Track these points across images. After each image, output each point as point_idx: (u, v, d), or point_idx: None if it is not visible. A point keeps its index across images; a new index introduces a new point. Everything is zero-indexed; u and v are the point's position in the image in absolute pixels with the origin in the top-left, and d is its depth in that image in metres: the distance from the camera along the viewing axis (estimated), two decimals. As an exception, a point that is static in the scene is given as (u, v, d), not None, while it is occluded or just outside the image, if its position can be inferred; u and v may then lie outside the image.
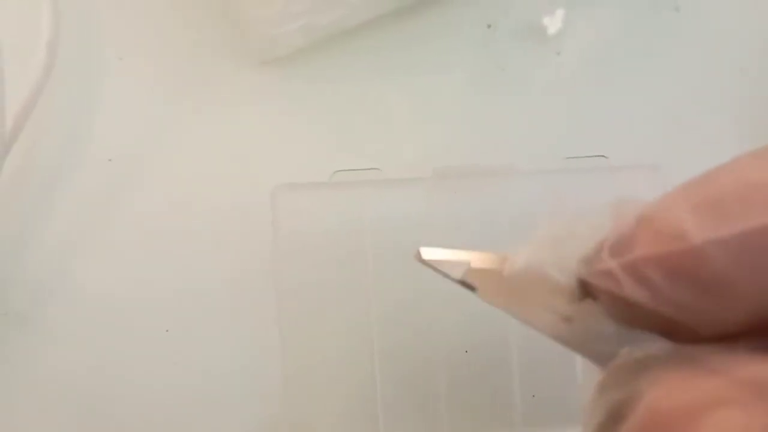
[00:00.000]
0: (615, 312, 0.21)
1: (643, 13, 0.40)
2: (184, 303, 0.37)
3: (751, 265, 0.19)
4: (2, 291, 0.37)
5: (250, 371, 0.36)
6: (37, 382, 0.37)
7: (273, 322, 0.33)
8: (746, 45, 0.40)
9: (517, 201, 0.33)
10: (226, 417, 0.36)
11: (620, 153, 0.35)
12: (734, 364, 0.19)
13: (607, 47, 0.40)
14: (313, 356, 0.34)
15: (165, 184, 0.38)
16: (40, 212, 0.38)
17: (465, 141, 0.39)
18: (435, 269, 0.24)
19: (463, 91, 0.39)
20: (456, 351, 0.33)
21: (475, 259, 0.23)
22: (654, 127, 0.39)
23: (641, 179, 0.33)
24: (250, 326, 0.37)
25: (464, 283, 0.23)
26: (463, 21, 0.40)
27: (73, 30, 0.39)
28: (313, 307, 0.34)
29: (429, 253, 0.24)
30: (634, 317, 0.21)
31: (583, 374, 0.31)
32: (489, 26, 0.40)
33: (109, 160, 0.38)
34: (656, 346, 0.21)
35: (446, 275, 0.24)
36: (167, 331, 0.37)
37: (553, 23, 0.39)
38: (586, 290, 0.21)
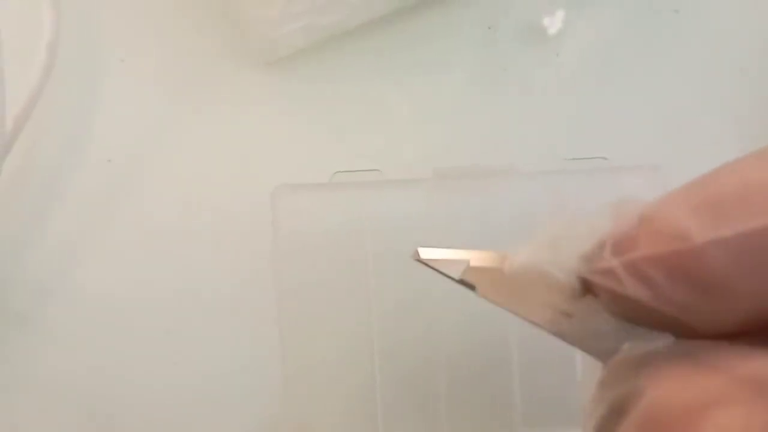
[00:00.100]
0: (615, 309, 0.21)
1: (642, 14, 0.40)
2: (184, 303, 0.37)
3: (752, 265, 0.19)
4: (2, 291, 0.37)
5: (250, 371, 0.37)
6: (37, 382, 0.37)
7: (273, 323, 0.33)
8: (746, 45, 0.40)
9: (517, 202, 0.33)
10: (226, 417, 0.36)
11: (620, 153, 0.35)
12: (734, 360, 0.19)
13: (607, 48, 0.40)
14: (313, 356, 0.34)
15: (165, 185, 0.38)
16: (40, 212, 0.38)
17: (465, 142, 0.39)
18: (434, 269, 0.24)
19: (463, 92, 0.39)
20: (456, 351, 0.33)
21: (474, 257, 0.23)
22: (654, 128, 0.39)
23: (641, 180, 0.33)
24: (250, 326, 0.37)
25: (464, 282, 0.23)
26: (464, 22, 0.40)
27: (74, 30, 0.39)
28: (314, 308, 0.34)
29: (427, 253, 0.24)
30: (635, 314, 0.21)
31: (583, 373, 0.31)
32: (489, 27, 0.40)
33: (109, 160, 0.38)
34: (657, 342, 0.21)
35: (445, 275, 0.24)
36: (167, 331, 0.37)
37: (553, 24, 0.39)
38: (586, 287, 0.21)
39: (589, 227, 0.22)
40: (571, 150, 0.34)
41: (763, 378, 0.19)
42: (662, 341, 0.21)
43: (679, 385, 0.19)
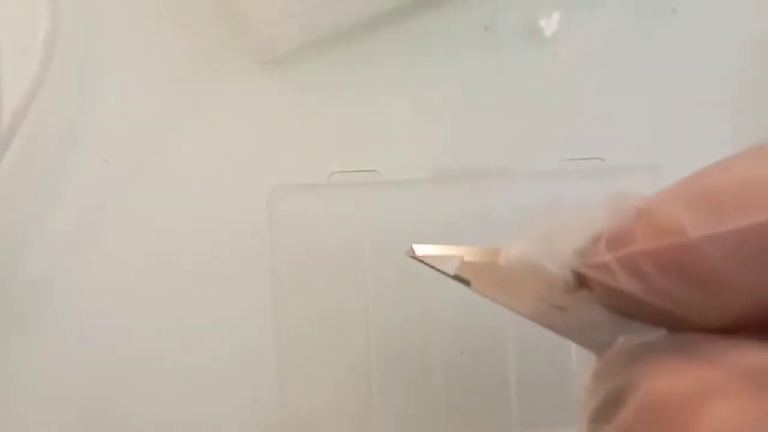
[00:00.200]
0: (610, 303, 0.21)
1: (640, 14, 0.40)
2: (182, 303, 0.37)
3: (746, 261, 0.19)
4: (0, 290, 0.37)
5: (247, 371, 0.36)
6: (36, 380, 0.37)
7: (270, 323, 0.33)
8: (743, 45, 0.40)
9: (514, 202, 0.33)
10: (223, 417, 0.36)
11: (618, 154, 0.35)
12: (729, 353, 0.19)
13: (604, 48, 0.40)
14: (310, 357, 0.34)
15: (162, 185, 0.38)
16: (37, 211, 0.38)
17: (462, 142, 0.39)
18: (429, 265, 0.24)
19: (460, 93, 0.39)
20: (453, 352, 0.33)
21: (468, 253, 0.23)
22: (651, 129, 0.39)
23: (638, 180, 0.33)
24: (247, 326, 0.37)
25: (459, 278, 0.23)
26: (461, 22, 0.40)
27: (72, 29, 0.39)
28: (311, 308, 0.34)
29: (422, 250, 0.24)
30: (629, 308, 0.21)
31: (578, 368, 0.31)
32: (486, 28, 0.40)
33: (105, 160, 0.38)
34: (652, 335, 0.21)
35: (440, 271, 0.24)
36: (165, 330, 0.37)
37: (550, 25, 0.39)
38: (580, 281, 0.21)
39: (583, 221, 0.22)
40: (568, 150, 0.35)
41: (758, 370, 0.19)
42: (656, 334, 0.21)
43: (675, 377, 0.20)
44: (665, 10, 0.40)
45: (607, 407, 0.21)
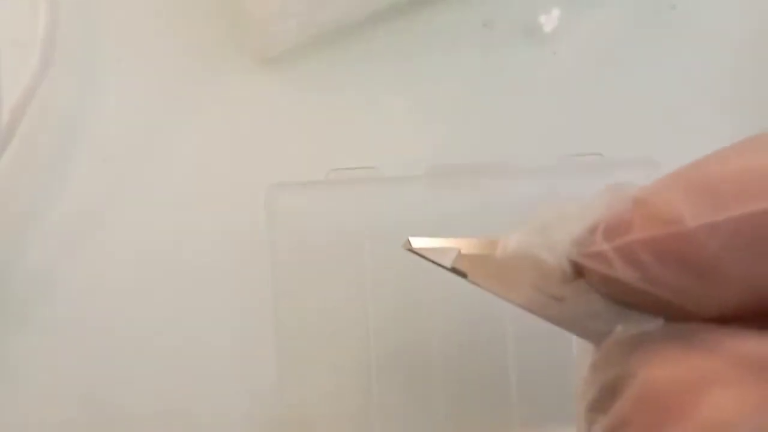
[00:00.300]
0: (607, 292, 0.21)
1: (639, 10, 0.40)
2: (182, 300, 0.37)
3: (744, 250, 0.19)
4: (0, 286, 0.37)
5: (247, 367, 0.36)
6: (35, 373, 0.37)
7: (270, 320, 0.33)
8: (742, 41, 0.40)
9: (513, 199, 0.33)
10: (222, 412, 0.36)
11: (617, 150, 0.34)
12: (727, 341, 0.19)
13: (603, 45, 0.40)
14: (310, 353, 0.34)
15: (161, 183, 0.38)
16: (37, 210, 0.38)
17: (461, 139, 0.39)
18: (425, 258, 0.24)
19: (459, 89, 0.39)
20: (453, 349, 0.33)
21: (465, 245, 0.23)
22: (651, 125, 0.39)
23: (638, 175, 0.33)
24: (247, 323, 0.37)
25: (455, 270, 0.23)
26: (460, 19, 0.40)
27: (71, 27, 0.39)
28: (310, 305, 0.34)
29: (418, 242, 0.24)
30: (627, 297, 0.21)
31: (577, 361, 0.31)
32: (485, 25, 0.40)
33: (104, 159, 0.38)
34: (650, 324, 0.21)
35: (437, 263, 0.23)
36: (164, 328, 0.37)
37: (549, 22, 0.39)
38: (577, 271, 0.21)
39: (580, 212, 0.22)
40: (567, 147, 0.34)
41: (757, 358, 0.19)
42: (654, 324, 0.21)
43: (673, 366, 0.20)
44: (665, 6, 0.40)
45: (604, 397, 0.21)
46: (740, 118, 0.39)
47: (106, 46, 0.39)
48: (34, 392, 0.36)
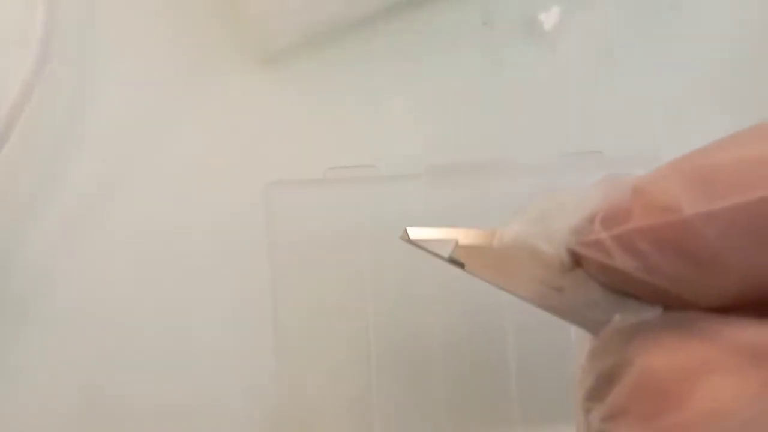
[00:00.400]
0: (605, 281, 0.21)
1: (639, 7, 0.40)
2: (181, 298, 0.37)
3: (741, 239, 0.19)
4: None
5: (246, 364, 0.36)
6: (35, 373, 0.37)
7: (269, 318, 0.33)
8: (742, 38, 0.40)
9: (513, 196, 0.33)
10: (221, 407, 0.36)
11: (617, 147, 0.34)
12: (725, 330, 0.19)
13: (603, 43, 0.40)
14: (309, 351, 0.34)
15: (159, 181, 0.38)
16: (34, 208, 0.38)
17: (460, 137, 0.39)
18: (423, 249, 0.24)
19: (458, 87, 0.39)
20: (452, 344, 0.33)
21: (463, 235, 0.23)
22: (651, 123, 0.39)
23: (637, 173, 0.33)
24: (246, 321, 0.37)
25: (453, 261, 0.23)
26: (460, 17, 0.40)
27: (69, 26, 0.39)
28: (309, 302, 0.34)
29: (416, 233, 0.24)
30: (625, 286, 0.21)
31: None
32: (485, 22, 0.40)
33: (102, 156, 0.38)
34: (648, 313, 0.21)
35: (435, 254, 0.23)
36: (162, 327, 0.37)
37: (549, 19, 0.39)
38: (575, 260, 0.21)
39: (578, 202, 0.22)
40: (567, 144, 0.34)
41: (755, 346, 0.19)
42: (653, 313, 0.21)
43: (671, 354, 0.20)
44: (664, 4, 0.40)
45: (602, 385, 0.21)
46: (740, 114, 0.39)
47: (104, 46, 0.39)
48: (33, 386, 0.37)
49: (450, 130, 0.39)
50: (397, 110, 0.39)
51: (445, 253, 0.23)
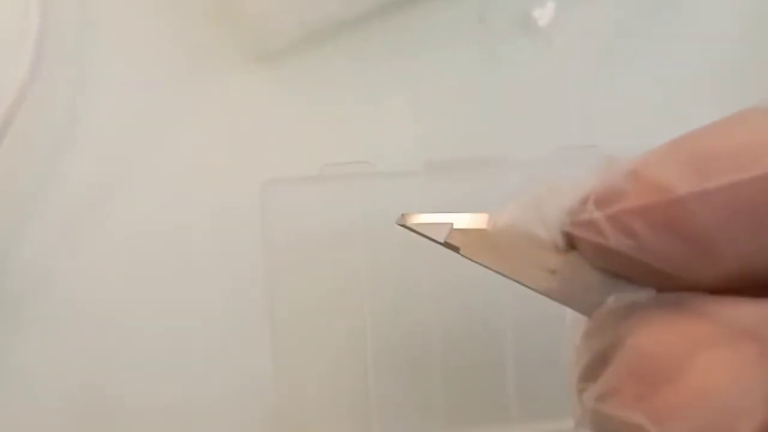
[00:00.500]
0: (600, 262, 0.21)
1: (634, 2, 0.40)
2: (176, 296, 0.37)
3: (736, 218, 0.19)
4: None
5: (242, 363, 0.36)
6: (33, 372, 0.37)
7: (265, 316, 0.33)
8: (741, 33, 0.40)
9: (510, 192, 0.33)
10: (219, 406, 0.36)
11: (613, 142, 0.34)
12: (719, 308, 0.19)
13: (598, 38, 0.40)
14: (305, 349, 0.33)
15: (155, 180, 0.38)
16: (31, 208, 0.38)
17: (457, 133, 0.39)
18: (418, 233, 0.24)
19: (455, 84, 0.39)
20: (450, 341, 0.33)
21: (458, 220, 0.23)
22: (646, 117, 0.39)
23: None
24: (242, 319, 0.37)
25: (447, 245, 0.23)
26: (456, 14, 0.40)
27: (67, 25, 0.39)
28: (305, 300, 0.33)
29: (411, 218, 0.24)
30: (619, 267, 0.21)
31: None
32: (481, 19, 0.40)
33: (99, 156, 0.38)
34: (642, 294, 0.21)
35: (430, 238, 0.23)
36: (160, 323, 0.37)
37: (544, 15, 0.39)
38: (570, 242, 0.21)
39: (574, 185, 0.21)
40: (564, 140, 0.34)
41: (749, 322, 0.19)
42: (647, 294, 0.21)
43: (662, 331, 0.20)
44: (661, -1, 0.41)
45: (595, 365, 0.21)
46: (738, 108, 0.38)
47: (102, 43, 0.39)
48: (32, 386, 0.37)
49: (447, 126, 0.39)
50: (394, 107, 0.39)
51: (441, 238, 0.23)
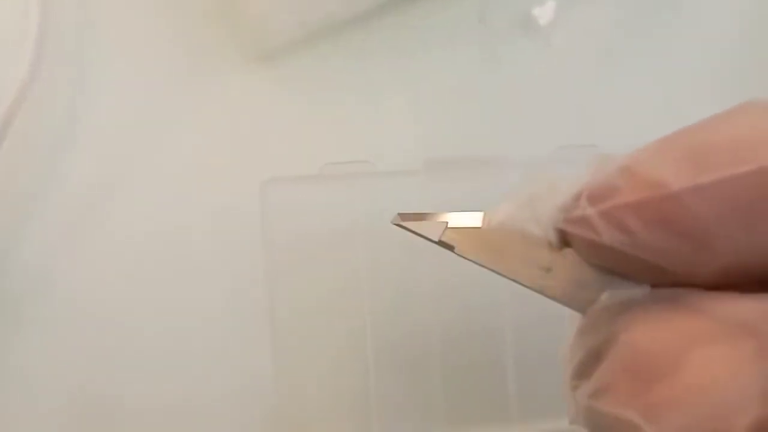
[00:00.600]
0: (593, 259, 0.21)
1: (634, 1, 0.40)
2: (177, 296, 0.37)
3: (731, 213, 0.19)
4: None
5: (242, 363, 0.36)
6: (33, 373, 0.37)
7: (265, 315, 0.33)
8: (741, 32, 0.40)
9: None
10: (219, 406, 0.36)
11: (613, 143, 0.34)
12: (715, 303, 0.19)
13: (598, 37, 0.40)
14: (305, 348, 0.33)
15: (155, 179, 0.38)
16: (31, 209, 0.38)
17: (457, 133, 0.39)
18: (413, 232, 0.24)
19: (455, 83, 0.39)
20: (450, 341, 0.33)
21: (453, 219, 0.23)
22: (646, 117, 0.39)
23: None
24: (242, 318, 0.37)
25: (442, 243, 0.23)
26: (456, 14, 0.40)
27: (66, 25, 0.39)
28: (305, 299, 0.33)
29: (406, 217, 0.24)
30: (613, 263, 0.21)
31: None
32: (480, 19, 0.40)
33: (99, 156, 0.38)
34: (637, 290, 0.21)
35: (424, 237, 0.23)
36: (160, 322, 0.37)
37: (544, 14, 0.39)
38: (564, 239, 0.21)
39: (567, 182, 0.21)
40: (564, 139, 0.34)
41: (745, 317, 0.18)
42: (641, 290, 0.21)
43: (656, 328, 0.19)
44: (660, -2, 0.40)
45: (589, 362, 0.21)
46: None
47: (101, 43, 0.39)
48: (32, 386, 0.37)
49: (446, 126, 0.39)
50: (394, 107, 0.39)
51: (435, 236, 0.23)
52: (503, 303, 0.33)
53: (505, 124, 0.39)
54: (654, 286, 0.21)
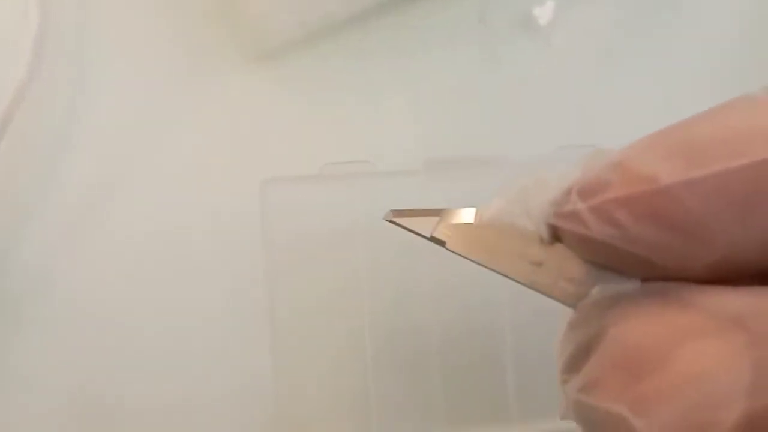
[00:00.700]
0: (584, 253, 0.21)
1: (635, 2, 0.40)
2: (177, 296, 0.37)
3: (724, 206, 0.19)
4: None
5: (242, 363, 0.36)
6: (32, 372, 0.37)
7: (264, 315, 0.33)
8: (742, 31, 0.40)
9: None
10: (219, 406, 0.36)
11: (613, 143, 0.34)
12: (705, 296, 0.19)
13: (598, 36, 0.40)
14: (305, 348, 0.33)
15: (155, 179, 0.38)
16: (30, 209, 0.38)
17: (456, 133, 0.39)
18: (406, 228, 0.24)
19: (455, 83, 0.39)
20: (449, 340, 0.33)
21: (444, 214, 0.23)
22: (646, 117, 0.39)
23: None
24: (241, 318, 0.37)
25: (434, 239, 0.23)
26: (455, 14, 0.40)
27: (65, 25, 0.39)
28: (305, 299, 0.33)
29: (399, 214, 0.24)
30: (604, 258, 0.21)
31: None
32: (480, 18, 0.40)
33: (98, 156, 0.38)
34: (628, 284, 0.21)
35: (416, 233, 0.23)
36: (159, 323, 0.37)
37: (544, 14, 0.39)
38: (555, 234, 0.21)
39: (559, 177, 0.21)
40: (564, 139, 0.34)
41: (736, 310, 0.18)
42: (632, 284, 0.21)
43: (646, 321, 0.19)
44: (661, -3, 0.40)
45: (579, 356, 0.21)
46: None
47: (101, 43, 0.39)
48: (32, 386, 0.37)
49: (447, 126, 0.39)
50: (394, 107, 0.39)
51: (427, 232, 0.23)
52: (503, 303, 0.33)
53: (505, 124, 0.39)
54: (645, 280, 0.21)
